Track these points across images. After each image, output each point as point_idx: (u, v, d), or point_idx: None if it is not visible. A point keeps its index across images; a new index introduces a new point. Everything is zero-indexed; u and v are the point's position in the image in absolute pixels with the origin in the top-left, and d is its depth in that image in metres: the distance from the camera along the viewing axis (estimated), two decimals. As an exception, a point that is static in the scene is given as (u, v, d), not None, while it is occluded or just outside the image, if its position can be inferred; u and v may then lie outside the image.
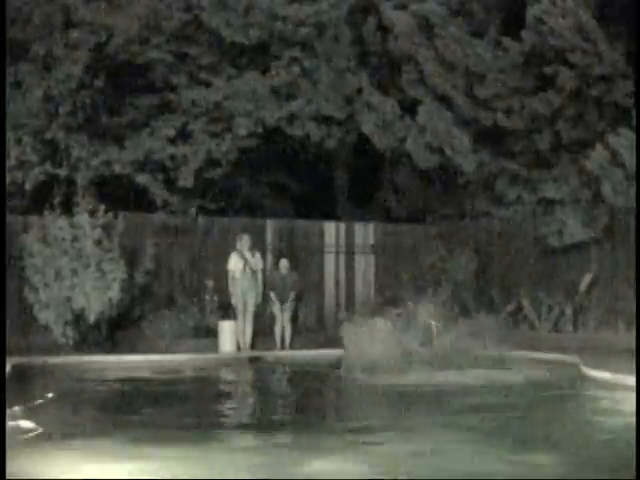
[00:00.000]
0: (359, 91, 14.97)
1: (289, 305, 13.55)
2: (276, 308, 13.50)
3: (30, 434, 5.99)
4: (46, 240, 12.02)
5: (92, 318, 11.93)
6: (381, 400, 8.69)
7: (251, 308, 13.06)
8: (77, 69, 13.40)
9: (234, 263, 13.00)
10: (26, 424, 6.22)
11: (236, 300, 13.01)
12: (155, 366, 11.08)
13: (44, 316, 11.94)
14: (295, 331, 13.63)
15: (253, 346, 13.08)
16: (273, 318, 13.56)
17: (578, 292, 13.16)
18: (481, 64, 13.01)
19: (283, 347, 13.23)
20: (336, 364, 10.37)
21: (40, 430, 6.08)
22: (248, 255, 13.05)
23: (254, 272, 13.06)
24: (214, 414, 7.67)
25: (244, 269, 12.96)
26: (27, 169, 13.05)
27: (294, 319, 13.77)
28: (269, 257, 14.52)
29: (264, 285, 13.35)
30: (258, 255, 13.30)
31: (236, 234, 13.85)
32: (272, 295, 13.53)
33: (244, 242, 13.10)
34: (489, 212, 15.01)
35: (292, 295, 13.60)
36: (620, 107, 12.23)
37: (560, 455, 5.45)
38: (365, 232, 15.72)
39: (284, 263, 13.73)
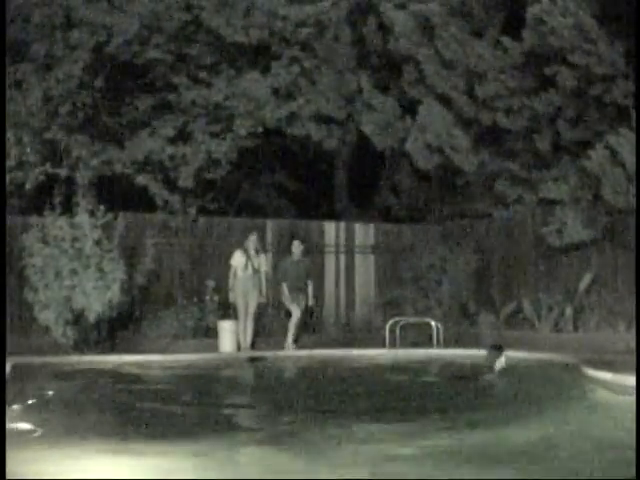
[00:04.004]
0: (359, 91, 14.99)
1: (304, 297, 13.16)
2: (289, 302, 13.10)
3: (28, 436, 5.99)
4: (46, 240, 12.02)
5: (92, 318, 11.93)
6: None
7: (252, 308, 13.09)
8: (77, 69, 13.41)
9: (237, 259, 13.07)
10: (24, 426, 6.22)
11: (235, 297, 13.04)
12: (155, 366, 11.08)
13: (44, 316, 11.94)
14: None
15: (253, 346, 13.09)
16: (276, 317, 13.55)
17: (578, 292, 13.17)
18: (481, 64, 13.01)
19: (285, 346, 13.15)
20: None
21: (39, 432, 6.08)
22: (252, 254, 13.11)
23: (256, 271, 13.09)
24: (213, 415, 7.66)
25: (246, 266, 13.01)
26: (27, 169, 13.05)
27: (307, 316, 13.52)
28: (269, 257, 14.50)
29: (268, 285, 13.39)
30: (263, 256, 13.36)
31: (236, 234, 13.96)
32: (284, 287, 13.14)
33: (251, 241, 13.17)
34: (489, 212, 15.02)
35: (309, 284, 13.26)
36: (620, 107, 12.23)
37: (559, 455, 5.45)
38: (365, 232, 15.72)
39: (297, 246, 13.25)
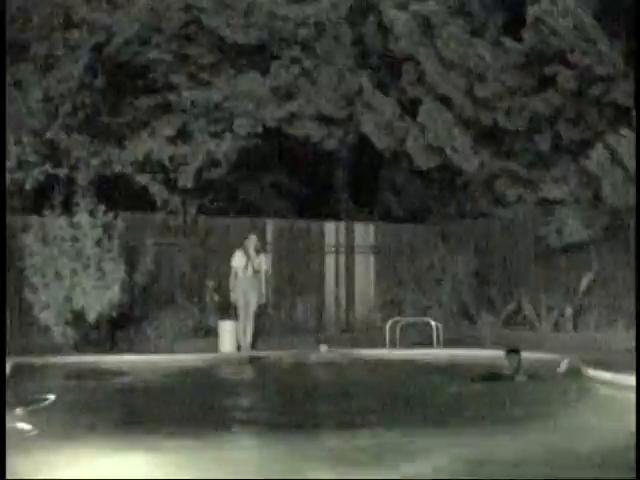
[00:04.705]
0: (359, 91, 14.97)
1: None
2: None
3: (27, 435, 5.99)
4: (46, 240, 12.02)
5: (92, 318, 11.93)
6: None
7: (253, 308, 13.08)
8: (77, 69, 13.41)
9: (237, 260, 13.07)
10: (23, 426, 6.22)
11: (236, 298, 13.04)
12: (155, 366, 11.07)
13: (44, 316, 11.94)
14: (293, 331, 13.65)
15: (254, 346, 13.08)
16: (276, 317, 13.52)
17: (578, 292, 13.17)
18: (481, 64, 13.00)
19: None
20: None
21: (36, 432, 6.08)
22: (252, 254, 13.11)
23: (256, 272, 13.11)
24: (213, 414, 7.66)
25: (246, 267, 13.02)
26: (27, 169, 13.05)
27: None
28: (269, 257, 14.50)
29: (267, 285, 13.38)
30: (263, 256, 13.37)
31: (236, 234, 13.98)
32: None
33: (250, 242, 13.19)
34: (489, 212, 15.02)
35: None
36: (620, 107, 12.23)
37: (559, 455, 5.45)
38: (365, 232, 15.72)
39: None
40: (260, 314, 13.44)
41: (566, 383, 9.13)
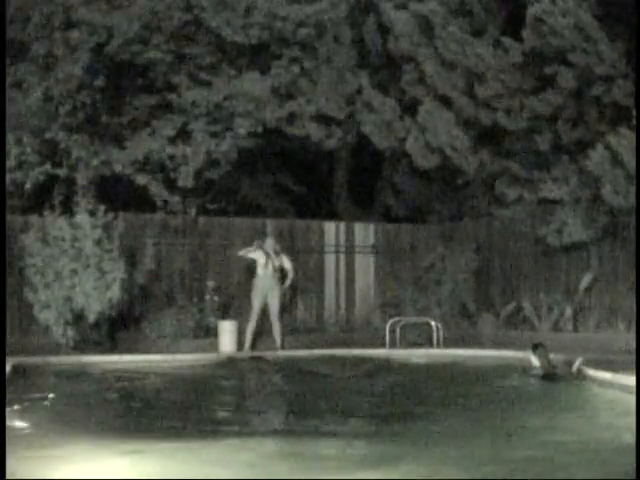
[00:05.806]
0: (359, 91, 14.98)
1: None
2: None
3: (22, 432, 5.99)
4: (46, 240, 12.02)
5: (92, 318, 11.93)
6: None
7: (276, 307, 13.09)
8: (77, 69, 13.41)
9: (255, 255, 13.20)
10: (19, 424, 6.22)
11: (254, 296, 13.13)
12: (155, 366, 11.07)
13: (44, 316, 11.94)
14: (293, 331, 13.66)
15: (283, 346, 13.08)
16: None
17: (578, 292, 13.17)
18: (481, 64, 13.01)
19: None
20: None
21: (30, 430, 6.08)
22: (272, 255, 13.21)
23: (276, 270, 13.14)
24: (212, 414, 7.66)
25: (266, 265, 13.07)
26: (27, 169, 13.05)
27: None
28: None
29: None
30: (283, 256, 13.41)
31: (236, 234, 14.03)
32: None
33: (267, 244, 13.31)
34: (489, 212, 15.02)
35: None
36: (620, 107, 12.23)
37: (559, 455, 5.45)
38: (365, 232, 15.72)
39: None
40: (263, 313, 13.39)
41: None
